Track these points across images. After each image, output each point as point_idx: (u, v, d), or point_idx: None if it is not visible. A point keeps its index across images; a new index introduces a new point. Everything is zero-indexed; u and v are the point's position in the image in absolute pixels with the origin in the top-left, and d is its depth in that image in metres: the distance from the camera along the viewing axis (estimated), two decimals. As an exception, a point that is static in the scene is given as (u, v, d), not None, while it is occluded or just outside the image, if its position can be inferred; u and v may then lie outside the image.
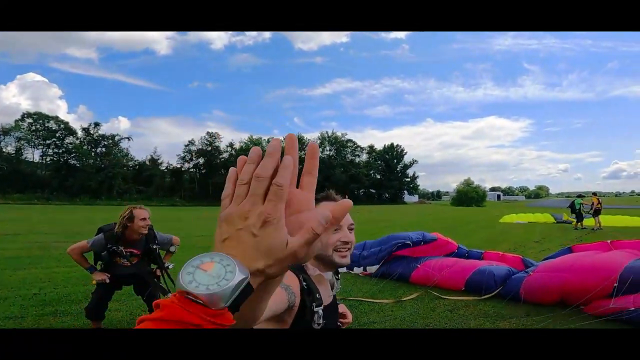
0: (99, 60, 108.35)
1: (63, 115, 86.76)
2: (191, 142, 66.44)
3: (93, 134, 58.77)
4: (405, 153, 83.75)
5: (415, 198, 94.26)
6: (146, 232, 3.41)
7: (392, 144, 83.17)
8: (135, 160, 63.59)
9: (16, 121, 54.36)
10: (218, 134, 68.62)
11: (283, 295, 1.05)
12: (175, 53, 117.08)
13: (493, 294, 5.18)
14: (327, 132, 79.47)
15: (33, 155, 56.33)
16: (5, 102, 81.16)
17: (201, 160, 66.54)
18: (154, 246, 3.48)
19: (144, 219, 3.37)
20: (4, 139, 52.81)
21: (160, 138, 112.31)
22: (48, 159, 56.58)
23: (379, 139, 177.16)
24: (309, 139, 76.88)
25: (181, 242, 4.07)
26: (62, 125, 57.33)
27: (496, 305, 4.91)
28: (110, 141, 59.77)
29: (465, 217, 29.55)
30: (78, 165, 56.23)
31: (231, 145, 69.40)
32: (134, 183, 59.00)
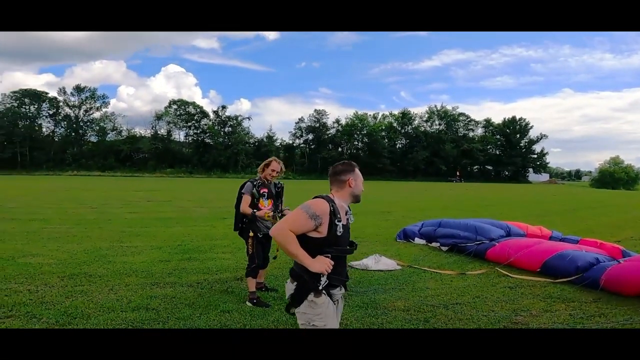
0: (221, 49, 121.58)
1: (199, 100, 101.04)
2: (301, 120, 70.77)
3: (221, 116, 67.90)
4: (531, 127, 73.45)
5: (545, 177, 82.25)
6: (271, 179, 4.20)
7: (513, 117, 73.75)
8: (255, 138, 71.25)
9: (165, 107, 66.51)
10: (325, 111, 71.35)
11: (309, 222, 1.95)
12: (282, 37, 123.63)
13: (569, 279, 4.87)
14: (435, 106, 74.81)
15: (179, 135, 68.29)
16: (156, 92, 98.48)
17: (310, 136, 70.50)
18: (276, 190, 4.31)
19: (274, 170, 4.18)
20: (158, 123, 65.33)
21: (275, 116, 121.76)
22: (190, 139, 67.82)
23: (498, 112, 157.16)
24: (415, 114, 73.85)
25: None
26: (198, 109, 67.78)
27: (566, 289, 4.63)
28: (235, 121, 68.18)
29: (599, 199, 25.14)
30: (212, 143, 65.87)
31: (337, 121, 71.48)
32: (254, 158, 66.35)
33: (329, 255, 2.02)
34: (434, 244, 7.44)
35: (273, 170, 4.16)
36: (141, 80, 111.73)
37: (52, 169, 54.12)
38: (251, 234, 4.12)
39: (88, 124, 64.03)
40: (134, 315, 3.59)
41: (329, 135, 70.79)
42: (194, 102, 68.49)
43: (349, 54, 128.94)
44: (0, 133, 54.87)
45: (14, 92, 59.47)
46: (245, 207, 4.08)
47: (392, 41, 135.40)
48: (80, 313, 3.52)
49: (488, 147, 73.30)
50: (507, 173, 72.73)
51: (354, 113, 72.53)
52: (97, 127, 64.16)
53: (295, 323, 2.11)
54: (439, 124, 74.08)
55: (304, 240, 2.02)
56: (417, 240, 7.81)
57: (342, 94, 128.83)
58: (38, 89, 61.56)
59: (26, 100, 59.39)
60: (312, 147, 70.39)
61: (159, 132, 65.07)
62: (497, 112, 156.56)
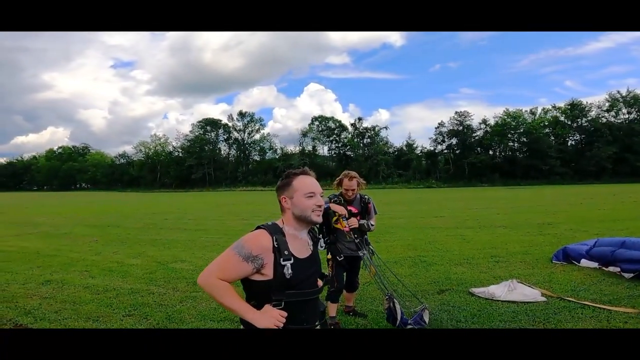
0: (352, 63, 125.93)
1: (339, 114, 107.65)
2: (441, 124, 66.51)
3: (359, 127, 70.20)
4: None
5: None
6: (350, 195, 3.69)
7: None
8: (394, 147, 70.64)
9: (309, 124, 72.89)
10: (468, 112, 65.09)
11: (243, 265, 1.49)
12: (409, 42, 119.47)
13: None
14: (618, 92, 58.79)
15: (323, 150, 73.68)
16: (302, 111, 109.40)
17: (454, 141, 65.40)
18: (365, 204, 3.78)
19: (347, 189, 3.70)
20: (304, 139, 72.07)
21: (414, 123, 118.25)
22: (332, 153, 72.39)
23: None
24: (590, 104, 59.88)
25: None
26: (337, 124, 72.04)
27: None
28: (372, 132, 69.29)
29: None
30: (352, 155, 68.64)
31: (485, 122, 64.23)
32: (395, 168, 65.69)
33: (281, 302, 1.49)
34: (611, 269, 5.45)
35: (346, 190, 3.69)
36: (290, 101, 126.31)
37: (229, 186, 65.89)
38: (329, 256, 3.66)
39: (252, 145, 75.99)
40: (219, 325, 3.63)
41: (476, 137, 64.17)
42: (333, 117, 73.06)
43: (487, 48, 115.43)
44: (193, 157, 70.55)
45: (199, 121, 76.20)
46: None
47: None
48: (179, 318, 3.77)
49: None
50: None
51: (504, 111, 64.08)
52: (258, 148, 75.49)
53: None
54: (628, 113, 58.01)
55: (247, 284, 1.54)
56: (584, 263, 5.85)
57: (487, 92, 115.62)
58: (215, 117, 77.25)
59: (208, 127, 75.06)
60: (457, 152, 65.06)
61: (305, 148, 71.72)
62: None
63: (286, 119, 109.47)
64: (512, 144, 63.59)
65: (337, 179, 3.80)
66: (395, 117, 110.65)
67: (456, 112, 65.74)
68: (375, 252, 3.73)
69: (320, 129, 72.06)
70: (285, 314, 1.46)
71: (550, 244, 7.48)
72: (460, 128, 64.35)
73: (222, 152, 77.05)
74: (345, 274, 3.84)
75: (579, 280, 5.05)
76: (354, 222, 3.51)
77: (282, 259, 1.49)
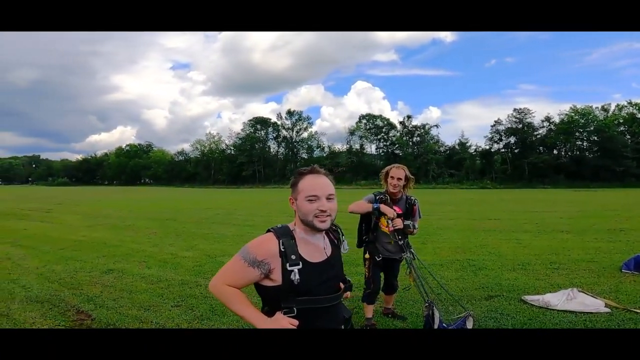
0: (401, 60, 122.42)
1: (388, 113, 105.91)
2: (497, 122, 62.41)
3: (408, 126, 68.31)
4: None
5: None
6: (396, 191, 3.43)
7: None
8: (445, 146, 67.80)
9: (356, 123, 72.35)
10: (528, 109, 60.37)
11: (250, 271, 1.43)
12: (460, 37, 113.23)
13: None
14: None
15: (371, 148, 72.80)
16: (350, 109, 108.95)
17: (512, 140, 61.18)
18: (411, 205, 3.52)
19: (395, 177, 3.41)
20: (352, 138, 71.67)
21: (467, 121, 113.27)
22: (380, 151, 71.21)
23: None
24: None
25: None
26: (385, 122, 70.75)
27: None
28: (422, 130, 67.04)
29: None
30: (401, 154, 66.98)
31: (548, 119, 59.29)
32: (446, 167, 63.05)
33: (293, 309, 1.40)
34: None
35: (392, 178, 3.43)
36: (337, 100, 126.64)
37: (278, 183, 67.46)
38: (367, 255, 3.57)
39: (299, 143, 77.21)
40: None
41: (538, 136, 59.51)
42: (381, 115, 71.88)
43: (548, 42, 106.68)
44: (244, 155, 73.34)
45: (250, 120, 79.14)
46: (354, 206, 3.46)
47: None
48: (221, 311, 3.91)
49: None
50: None
51: (570, 108, 58.67)
52: (306, 146, 76.50)
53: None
54: None
55: (259, 290, 1.48)
56: (661, 275, 5.21)
57: (550, 88, 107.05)
58: (265, 116, 79.65)
59: (258, 126, 77.61)
60: (516, 151, 60.79)
61: (353, 147, 71.32)
62: None
63: (334, 117, 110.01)
64: (580, 142, 58.20)
65: (384, 170, 3.57)
66: (447, 115, 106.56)
67: (515, 109, 61.37)
68: (416, 256, 3.54)
69: (367, 127, 71.29)
70: (296, 322, 1.38)
71: (621, 251, 6.72)
72: (520, 126, 59.94)
73: (272, 150, 79.20)
74: (383, 275, 3.72)
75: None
76: (398, 222, 3.33)
77: (288, 264, 1.41)
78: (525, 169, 56.79)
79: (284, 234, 1.47)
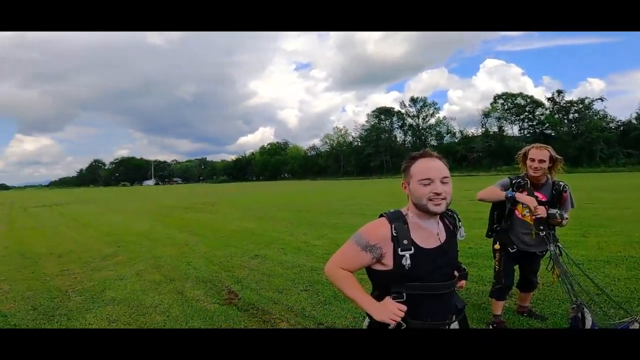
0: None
1: (531, 90, 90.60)
2: None
3: (559, 102, 57.17)
4: None
5: None
6: (538, 174, 2.98)
7: None
8: (617, 121, 54.46)
9: (491, 104, 64.40)
10: None
11: (363, 255, 1.48)
12: None
13: None
14: None
15: (512, 130, 64.02)
16: (482, 89, 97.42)
17: None
18: (559, 192, 3.02)
19: (536, 159, 2.97)
20: (487, 120, 64.35)
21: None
22: (525, 132, 61.92)
23: None
24: None
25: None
26: (528, 100, 60.87)
27: None
28: (581, 105, 55.19)
29: None
30: (553, 134, 56.93)
31: None
32: (620, 146, 50.73)
33: (402, 295, 1.38)
34: None
35: (533, 160, 2.96)
36: (465, 82, 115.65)
37: (406, 173, 66.35)
38: (497, 245, 3.17)
39: (427, 130, 73.76)
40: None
41: None
42: (521, 93, 62.20)
43: None
44: (371, 146, 74.15)
45: (373, 111, 79.46)
46: (484, 192, 3.10)
47: None
48: (342, 298, 4.12)
49: None
50: None
51: None
52: (435, 132, 72.46)
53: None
54: None
55: (370, 274, 1.49)
56: None
57: None
58: (387, 106, 78.75)
59: (382, 116, 77.25)
60: None
61: (489, 130, 64.07)
62: None
63: (463, 101, 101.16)
64: None
65: (521, 151, 3.12)
66: (614, 86, 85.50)
67: None
68: (563, 251, 2.99)
69: (506, 107, 62.85)
70: (404, 307, 1.40)
71: None
72: None
73: (398, 139, 77.94)
74: (520, 270, 3.33)
75: None
76: (541, 210, 2.84)
77: (400, 249, 1.43)
78: None
79: (397, 219, 1.49)
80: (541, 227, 2.94)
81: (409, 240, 1.44)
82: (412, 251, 1.42)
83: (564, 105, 57.62)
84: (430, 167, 1.46)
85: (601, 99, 55.78)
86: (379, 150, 73.58)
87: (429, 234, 1.50)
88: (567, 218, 2.93)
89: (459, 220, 1.62)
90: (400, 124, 76.92)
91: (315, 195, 25.27)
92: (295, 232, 9.38)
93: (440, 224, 1.56)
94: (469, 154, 63.34)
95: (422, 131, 74.14)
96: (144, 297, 4.68)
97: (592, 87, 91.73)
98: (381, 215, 1.54)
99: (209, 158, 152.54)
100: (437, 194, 1.43)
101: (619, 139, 51.88)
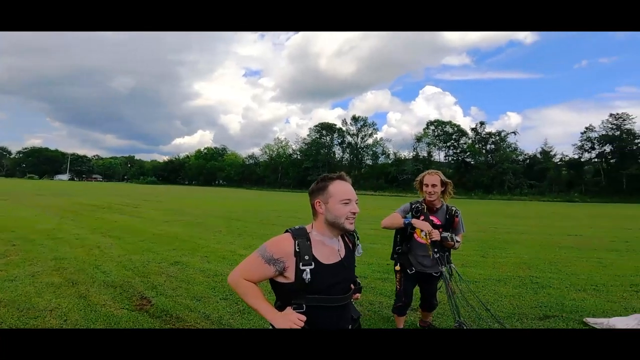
0: (474, 63, 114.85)
1: (460, 119, 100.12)
2: (589, 129, 55.62)
3: (481, 133, 63.92)
4: None
5: None
6: (433, 199, 3.19)
7: None
8: (525, 154, 62.22)
9: (424, 129, 69.88)
10: (628, 115, 52.76)
11: (266, 268, 1.56)
12: (542, 38, 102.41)
13: None
14: None
15: (439, 155, 69.68)
16: (419, 115, 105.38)
17: (608, 148, 53.99)
18: (452, 216, 3.24)
19: (429, 184, 3.19)
20: (419, 145, 69.37)
21: (552, 128, 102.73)
22: (449, 159, 67.75)
23: None
24: None
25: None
26: (455, 128, 67.20)
27: None
28: (497, 137, 62.24)
29: None
30: (472, 162, 63.02)
31: (655, 125, 51.21)
32: (525, 177, 57.81)
33: (302, 306, 1.49)
34: None
35: (426, 185, 3.20)
36: (405, 105, 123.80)
37: (341, 189, 68.12)
38: (398, 267, 3.36)
39: (364, 149, 76.98)
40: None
41: (639, 144, 51.79)
42: (451, 121, 68.57)
43: None
44: (310, 159, 75.25)
45: (316, 125, 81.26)
46: (386, 220, 3.24)
47: None
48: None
49: None
50: None
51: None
52: (371, 152, 75.96)
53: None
54: None
55: (273, 285, 1.59)
56: None
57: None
58: (330, 122, 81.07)
59: (324, 131, 79.23)
60: (612, 161, 53.63)
61: (419, 154, 68.98)
62: None
63: (401, 123, 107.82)
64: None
65: (418, 178, 3.35)
66: (528, 120, 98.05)
67: (611, 115, 54.25)
68: (455, 271, 3.24)
69: (436, 133, 68.48)
70: (304, 317, 1.49)
71: None
72: (617, 133, 52.79)
73: (337, 155, 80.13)
74: (420, 291, 3.56)
75: None
76: (435, 234, 3.02)
77: (301, 264, 1.52)
78: (623, 181, 49.72)
79: (300, 235, 1.59)
80: (435, 250, 3.12)
81: (310, 256, 1.55)
82: (312, 266, 1.53)
83: (484, 136, 64.18)
84: (348, 189, 1.63)
85: (514, 133, 63.38)
86: (317, 165, 74.88)
87: (330, 251, 1.63)
88: (459, 241, 3.19)
89: (358, 239, 1.77)
90: (340, 141, 79.38)
91: (250, 204, 24.78)
92: (223, 240, 9.09)
93: (341, 241, 1.70)
94: (399, 175, 67.35)
95: (360, 150, 77.21)
96: (38, 300, 4.19)
97: (510, 120, 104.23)
98: (286, 231, 1.63)
99: (137, 157, 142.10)
100: (354, 214, 1.61)
101: (525, 170, 59.15)
